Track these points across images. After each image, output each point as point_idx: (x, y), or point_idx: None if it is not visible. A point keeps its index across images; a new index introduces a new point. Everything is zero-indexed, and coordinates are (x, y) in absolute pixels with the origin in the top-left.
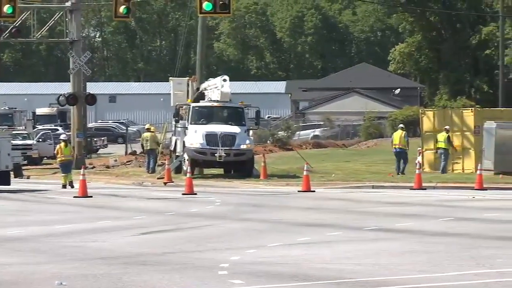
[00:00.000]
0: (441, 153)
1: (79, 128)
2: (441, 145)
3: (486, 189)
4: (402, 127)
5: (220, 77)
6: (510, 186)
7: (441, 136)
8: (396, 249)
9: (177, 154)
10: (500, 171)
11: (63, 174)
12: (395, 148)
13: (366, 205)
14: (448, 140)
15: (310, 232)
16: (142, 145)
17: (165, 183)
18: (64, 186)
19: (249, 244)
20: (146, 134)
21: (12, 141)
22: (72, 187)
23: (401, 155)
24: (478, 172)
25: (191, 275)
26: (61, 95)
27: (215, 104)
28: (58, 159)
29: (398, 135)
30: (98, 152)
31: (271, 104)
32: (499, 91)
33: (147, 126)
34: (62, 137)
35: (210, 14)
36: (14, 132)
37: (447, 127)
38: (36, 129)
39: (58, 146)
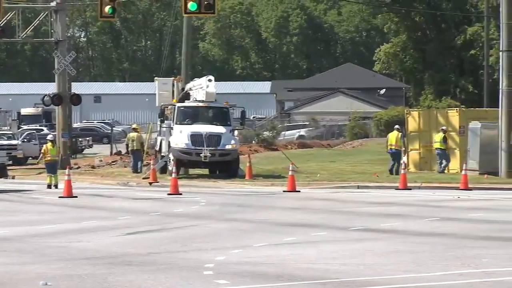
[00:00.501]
0: (438, 153)
1: (64, 128)
2: (438, 145)
3: (471, 189)
4: (398, 128)
5: (205, 77)
6: (495, 186)
7: (438, 137)
8: (381, 249)
9: (162, 154)
10: (485, 171)
11: (48, 174)
12: (391, 148)
13: (351, 205)
14: (444, 140)
15: (296, 232)
16: (127, 145)
17: (150, 183)
18: (49, 186)
19: (234, 244)
20: (132, 134)
21: None
22: (56, 187)
23: (396, 155)
24: (463, 172)
25: (176, 275)
26: (46, 95)
27: (200, 104)
28: (45, 159)
29: (394, 136)
30: (83, 152)
31: (256, 104)
32: (484, 91)
33: (133, 126)
34: (49, 137)
35: (195, 14)
36: None
37: (444, 127)
38: (21, 129)
39: (44, 146)
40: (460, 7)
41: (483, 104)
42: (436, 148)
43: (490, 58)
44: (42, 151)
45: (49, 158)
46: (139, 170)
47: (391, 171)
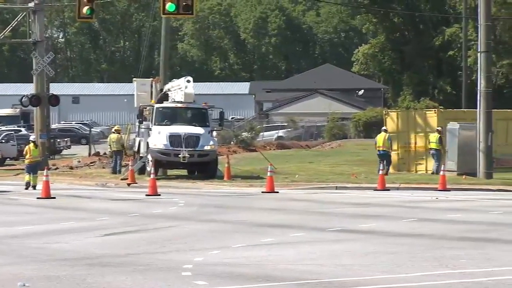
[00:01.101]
0: (433, 153)
1: (42, 129)
2: (433, 145)
3: (449, 190)
4: (385, 130)
5: (183, 78)
6: (473, 187)
7: (433, 137)
8: (359, 250)
9: (140, 155)
10: (463, 172)
11: (27, 174)
12: (379, 150)
13: (330, 206)
14: (440, 141)
15: (274, 233)
16: (110, 146)
17: (128, 184)
18: (27, 185)
19: (212, 245)
20: (113, 136)
21: None
22: (35, 188)
23: (385, 157)
24: (441, 173)
25: (155, 276)
26: (24, 96)
27: (179, 105)
28: (27, 160)
29: (381, 138)
30: (61, 153)
31: (235, 105)
32: (462, 92)
33: (115, 127)
34: (32, 138)
35: (174, 15)
36: None
37: (439, 128)
38: None
39: (27, 147)
40: (438, 8)
41: (461, 105)
42: (431, 148)
43: (468, 59)
44: (24, 152)
45: (30, 159)
46: (115, 172)
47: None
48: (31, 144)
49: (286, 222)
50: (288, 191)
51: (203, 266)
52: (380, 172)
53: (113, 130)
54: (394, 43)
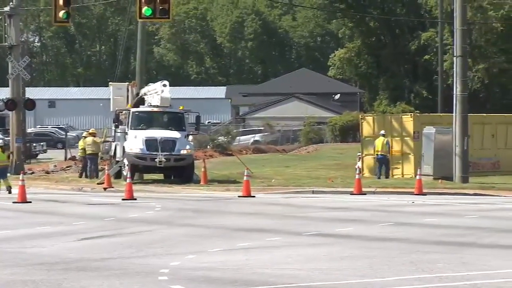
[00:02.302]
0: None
1: (18, 133)
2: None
3: (425, 194)
4: (383, 134)
5: (160, 82)
6: (449, 191)
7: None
8: (336, 254)
9: (117, 159)
10: (439, 176)
11: None
12: (377, 154)
13: (306, 210)
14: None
15: (250, 237)
16: (83, 149)
17: (105, 189)
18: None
19: (189, 250)
20: (88, 139)
21: None
22: (10, 192)
23: (383, 161)
24: (417, 177)
25: (131, 280)
26: None
27: (155, 109)
28: None
29: (380, 142)
30: (37, 158)
31: (211, 109)
32: (438, 96)
33: (90, 130)
34: None
35: (150, 20)
36: None
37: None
38: None
39: None
40: (414, 12)
41: (437, 109)
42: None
43: (444, 63)
44: None
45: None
46: (93, 176)
47: (379, 176)
48: None
49: (262, 226)
50: (264, 196)
51: (180, 271)
52: (381, 177)
53: (84, 135)
54: (370, 48)
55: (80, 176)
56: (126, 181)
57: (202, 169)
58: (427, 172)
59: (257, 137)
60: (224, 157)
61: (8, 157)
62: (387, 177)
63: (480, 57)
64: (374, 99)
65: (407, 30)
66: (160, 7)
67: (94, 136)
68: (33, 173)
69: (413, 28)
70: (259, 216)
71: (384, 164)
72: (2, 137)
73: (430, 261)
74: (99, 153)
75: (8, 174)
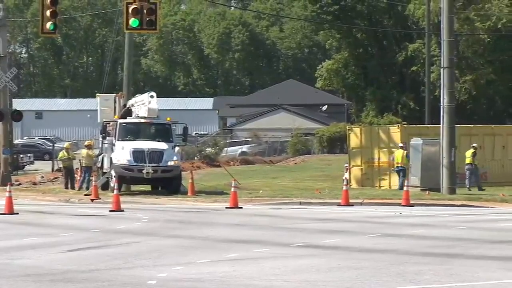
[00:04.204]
0: (468, 168)
1: (5, 144)
2: (468, 160)
3: (413, 205)
4: (402, 147)
5: (147, 93)
6: (437, 203)
7: (468, 153)
8: (323, 265)
9: (104, 170)
10: (427, 188)
11: None
12: (397, 166)
13: (294, 221)
14: (474, 156)
15: (238, 249)
16: (79, 161)
17: (92, 200)
18: None
19: (176, 261)
20: (84, 151)
21: None
22: None
23: (403, 172)
24: (404, 188)
25: None
26: None
27: (143, 120)
28: None
29: (400, 154)
30: (24, 169)
31: (198, 121)
32: (425, 107)
33: (86, 142)
34: None
35: (137, 31)
36: None
37: (475, 144)
38: None
39: None
40: (401, 24)
41: (425, 120)
42: (467, 164)
43: (432, 74)
44: None
45: None
46: (84, 188)
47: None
48: None
49: (250, 237)
50: (252, 207)
51: (167, 282)
52: (404, 188)
53: (65, 146)
54: (358, 59)
55: (66, 187)
56: (113, 192)
57: (190, 180)
58: (414, 183)
59: (245, 148)
60: (211, 169)
61: None
62: (401, 188)
63: (467, 69)
64: (361, 110)
65: (394, 42)
66: (147, 19)
67: (89, 149)
68: (20, 184)
69: (400, 40)
70: (246, 227)
71: (403, 175)
72: None
73: (417, 272)
74: (92, 166)
75: None
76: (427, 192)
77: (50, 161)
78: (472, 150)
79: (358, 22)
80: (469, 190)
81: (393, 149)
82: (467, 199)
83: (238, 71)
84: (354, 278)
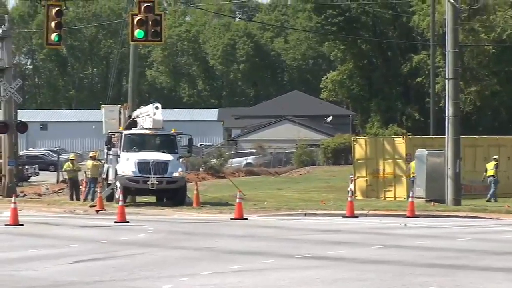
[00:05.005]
0: (491, 180)
1: (10, 156)
2: (491, 172)
3: (417, 217)
4: (495, 158)
5: (152, 104)
6: (442, 214)
7: (490, 165)
8: (328, 276)
9: (109, 182)
10: (432, 199)
11: None
12: (413, 176)
13: (299, 232)
14: (496, 167)
15: (243, 260)
16: (84, 172)
17: (97, 211)
18: None
19: (182, 272)
20: (88, 163)
21: None
22: None
23: (493, 182)
24: (409, 199)
25: None
26: None
27: (147, 131)
28: None
29: (491, 165)
30: (29, 180)
31: (203, 132)
32: (430, 119)
33: (91, 154)
34: None
35: (142, 42)
36: None
37: (496, 156)
38: None
39: None
40: (406, 35)
41: (429, 131)
42: (490, 176)
43: (436, 85)
44: None
45: None
46: (89, 199)
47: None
48: None
49: (255, 249)
50: (257, 218)
51: None
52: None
53: (70, 157)
54: (362, 70)
55: (71, 199)
56: (118, 203)
57: (195, 192)
58: (419, 194)
59: (250, 159)
60: (216, 180)
61: None
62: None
63: (472, 80)
64: (366, 121)
65: (399, 53)
66: (152, 30)
67: (94, 160)
68: (25, 195)
69: (405, 51)
70: (251, 238)
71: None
72: None
73: (422, 284)
74: (98, 178)
75: (0, 197)
76: (432, 203)
77: (55, 173)
78: (494, 162)
79: (362, 33)
80: (496, 201)
81: (398, 160)
82: (472, 210)
83: (243, 82)
84: None
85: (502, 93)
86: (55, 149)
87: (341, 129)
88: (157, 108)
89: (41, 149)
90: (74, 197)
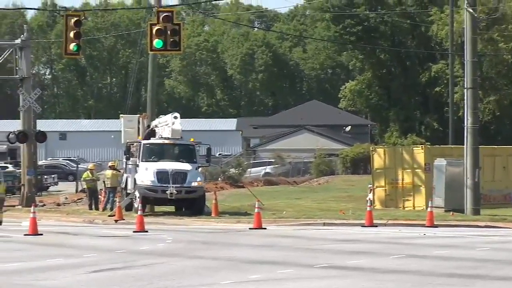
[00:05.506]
0: None
1: (29, 165)
2: None
3: (436, 226)
4: None
5: (171, 114)
6: (461, 223)
7: None
8: (347, 286)
9: (128, 191)
10: (451, 208)
11: None
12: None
13: (317, 242)
14: None
15: (262, 270)
16: (103, 182)
17: (116, 221)
18: None
19: (200, 282)
20: (108, 172)
21: None
22: (0, 224)
23: None
24: (428, 209)
25: None
26: (11, 132)
27: (166, 141)
28: None
29: None
30: (48, 190)
31: (222, 141)
32: (449, 128)
33: (110, 163)
34: None
35: (161, 52)
36: None
37: None
38: None
39: None
40: (424, 44)
41: (448, 141)
42: None
43: (455, 95)
44: None
45: None
46: (109, 207)
47: None
48: None
49: (274, 258)
50: (275, 228)
51: None
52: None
53: (89, 167)
54: (381, 80)
55: (90, 208)
56: (137, 213)
57: (213, 201)
58: (438, 204)
59: (268, 169)
60: (235, 189)
61: (6, 190)
62: None
63: (491, 89)
64: (385, 131)
65: (418, 62)
66: (171, 39)
67: (114, 169)
68: (44, 205)
69: (424, 60)
70: (270, 248)
71: None
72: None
73: None
74: (117, 187)
75: (19, 207)
76: (451, 213)
77: (74, 182)
78: None
79: (381, 42)
80: None
81: (416, 170)
82: (492, 220)
83: (262, 92)
84: None
85: None
86: (74, 158)
87: (359, 138)
88: (175, 117)
89: (60, 158)
90: (93, 206)
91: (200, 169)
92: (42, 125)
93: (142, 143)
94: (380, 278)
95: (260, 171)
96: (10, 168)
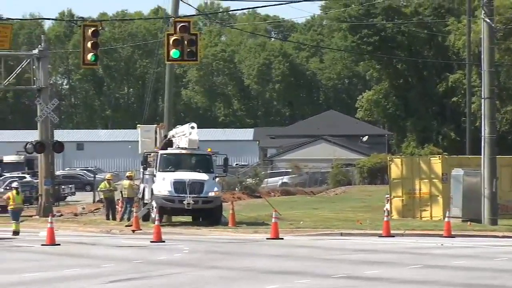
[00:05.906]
0: None
1: (47, 175)
2: None
3: (454, 237)
4: None
5: (188, 124)
6: (478, 234)
7: None
8: None
9: (145, 201)
10: (468, 219)
11: (13, 221)
12: None
13: (335, 252)
14: None
15: (279, 280)
16: (121, 192)
17: (133, 231)
18: (16, 233)
19: None
20: (125, 182)
21: None
22: (18, 234)
23: None
24: (446, 219)
25: None
26: (28, 142)
27: (183, 151)
28: (10, 207)
29: None
30: (66, 200)
31: (239, 151)
32: (466, 138)
33: (127, 174)
34: (14, 185)
35: (178, 62)
36: None
37: None
38: (3, 177)
39: (10, 194)
40: (441, 54)
41: (466, 151)
42: None
43: (472, 105)
44: (7, 198)
45: (13, 206)
46: (126, 217)
47: None
48: (14, 191)
49: (291, 268)
50: (293, 238)
51: None
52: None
53: (107, 177)
54: (398, 89)
55: (107, 218)
56: (154, 223)
57: (230, 211)
58: (455, 214)
59: (285, 179)
60: (252, 199)
61: (23, 200)
62: None
63: (508, 99)
64: (402, 141)
65: (435, 72)
66: (188, 50)
67: (131, 180)
68: (61, 215)
69: (441, 70)
70: (287, 258)
71: None
72: (18, 179)
73: None
74: (134, 197)
75: (36, 217)
76: (468, 223)
77: (91, 192)
78: None
79: (398, 52)
80: None
81: (434, 180)
82: (510, 230)
83: (278, 102)
84: None
85: None
86: (91, 169)
87: (376, 148)
88: (192, 127)
89: (77, 169)
90: (110, 216)
91: (217, 179)
92: (60, 135)
93: (159, 153)
94: None
95: (277, 181)
96: (28, 178)
